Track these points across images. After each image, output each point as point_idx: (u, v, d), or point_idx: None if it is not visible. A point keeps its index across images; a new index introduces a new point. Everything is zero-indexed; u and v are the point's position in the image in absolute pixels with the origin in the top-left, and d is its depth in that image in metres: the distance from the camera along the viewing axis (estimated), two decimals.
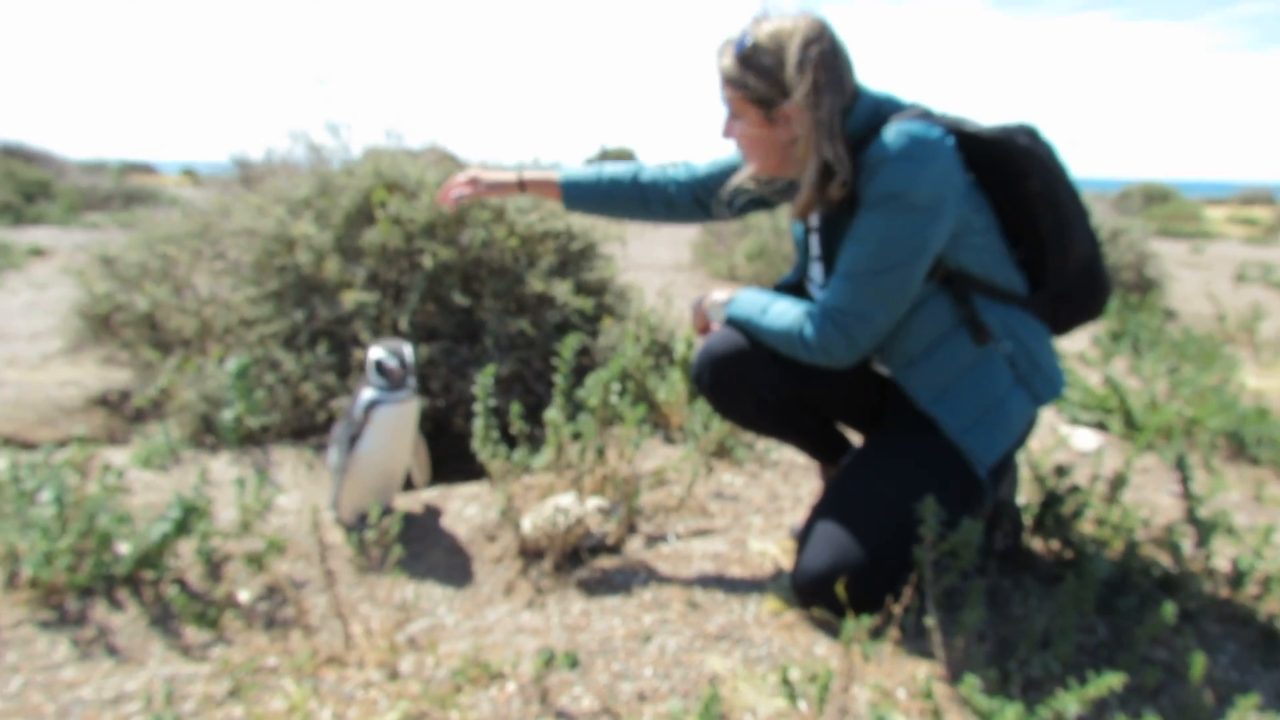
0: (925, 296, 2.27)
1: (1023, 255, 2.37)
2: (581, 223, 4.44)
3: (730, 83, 2.24)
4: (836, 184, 2.19)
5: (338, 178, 4.22)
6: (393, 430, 2.79)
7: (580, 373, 3.86)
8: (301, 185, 4.27)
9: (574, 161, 2.87)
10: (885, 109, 2.22)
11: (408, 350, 2.79)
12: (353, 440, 2.75)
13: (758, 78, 2.18)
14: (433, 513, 3.00)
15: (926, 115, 2.20)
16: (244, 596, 2.45)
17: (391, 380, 2.74)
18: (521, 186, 2.81)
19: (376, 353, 2.76)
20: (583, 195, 2.78)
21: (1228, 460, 3.82)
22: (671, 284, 8.41)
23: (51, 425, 3.97)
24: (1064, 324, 2.48)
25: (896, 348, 2.33)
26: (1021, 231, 2.34)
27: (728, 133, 2.34)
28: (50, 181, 17.12)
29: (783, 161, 2.30)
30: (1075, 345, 6.12)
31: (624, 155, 26.84)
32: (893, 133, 2.12)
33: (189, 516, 2.49)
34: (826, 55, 2.14)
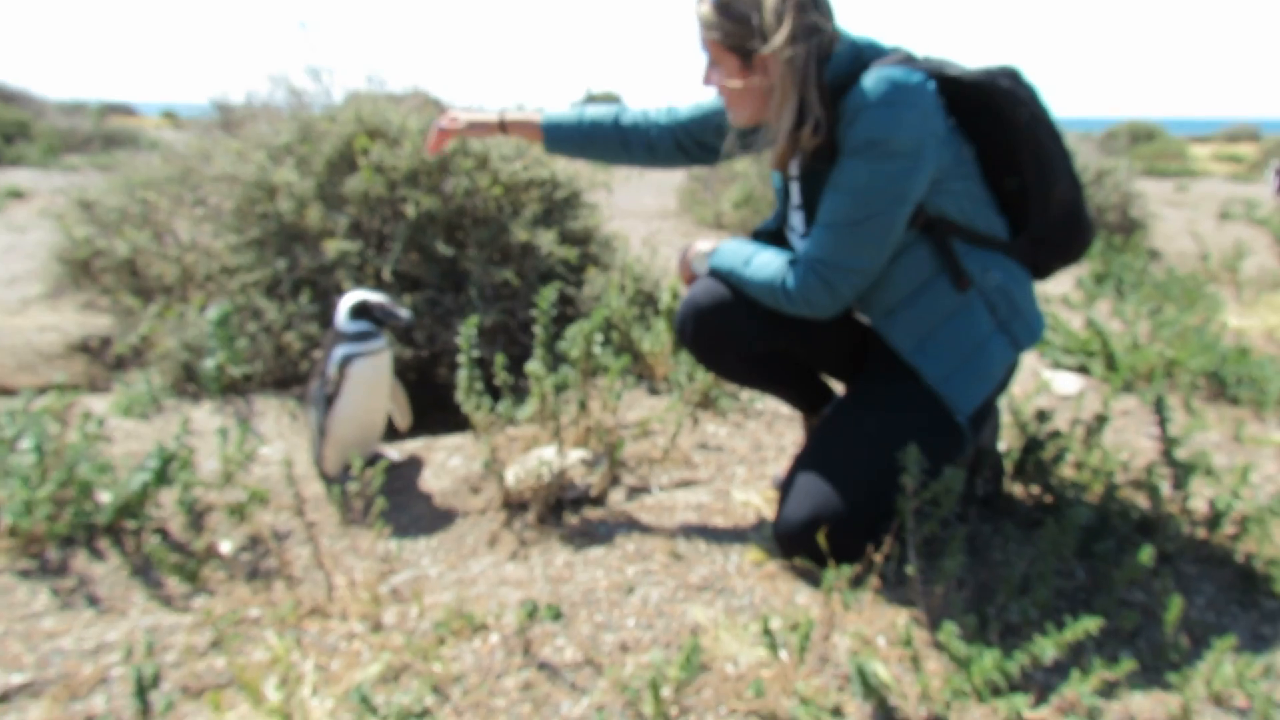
0: (905, 244, 2.26)
1: (1004, 199, 2.36)
2: (566, 170, 4.40)
3: (708, 29, 2.20)
4: (808, 131, 2.17)
5: (319, 123, 4.17)
6: (370, 383, 2.78)
7: (566, 323, 3.85)
8: (283, 131, 4.22)
9: (559, 106, 2.85)
10: (867, 54, 2.19)
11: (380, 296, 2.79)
12: (329, 399, 2.74)
13: (734, 24, 2.15)
14: (416, 464, 3.00)
15: (908, 60, 2.18)
16: (226, 547, 2.46)
17: (380, 318, 2.74)
18: (503, 127, 2.81)
19: (356, 295, 2.76)
20: (564, 137, 2.77)
21: (1208, 400, 3.84)
22: (657, 231, 8.38)
23: (31, 371, 3.95)
24: (1045, 268, 2.47)
25: (877, 297, 2.32)
26: (1003, 175, 2.32)
27: (707, 80, 2.31)
28: (29, 122, 16.91)
29: (763, 109, 2.27)
30: (1059, 288, 6.12)
31: (610, 99, 26.63)
32: (872, 79, 2.09)
33: (170, 466, 2.49)
34: (804, 1, 2.11)
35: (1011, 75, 2.23)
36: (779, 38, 2.10)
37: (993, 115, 2.23)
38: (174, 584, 2.29)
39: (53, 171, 12.48)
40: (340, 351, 2.73)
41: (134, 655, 1.97)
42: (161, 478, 2.48)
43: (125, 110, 31.91)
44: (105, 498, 2.46)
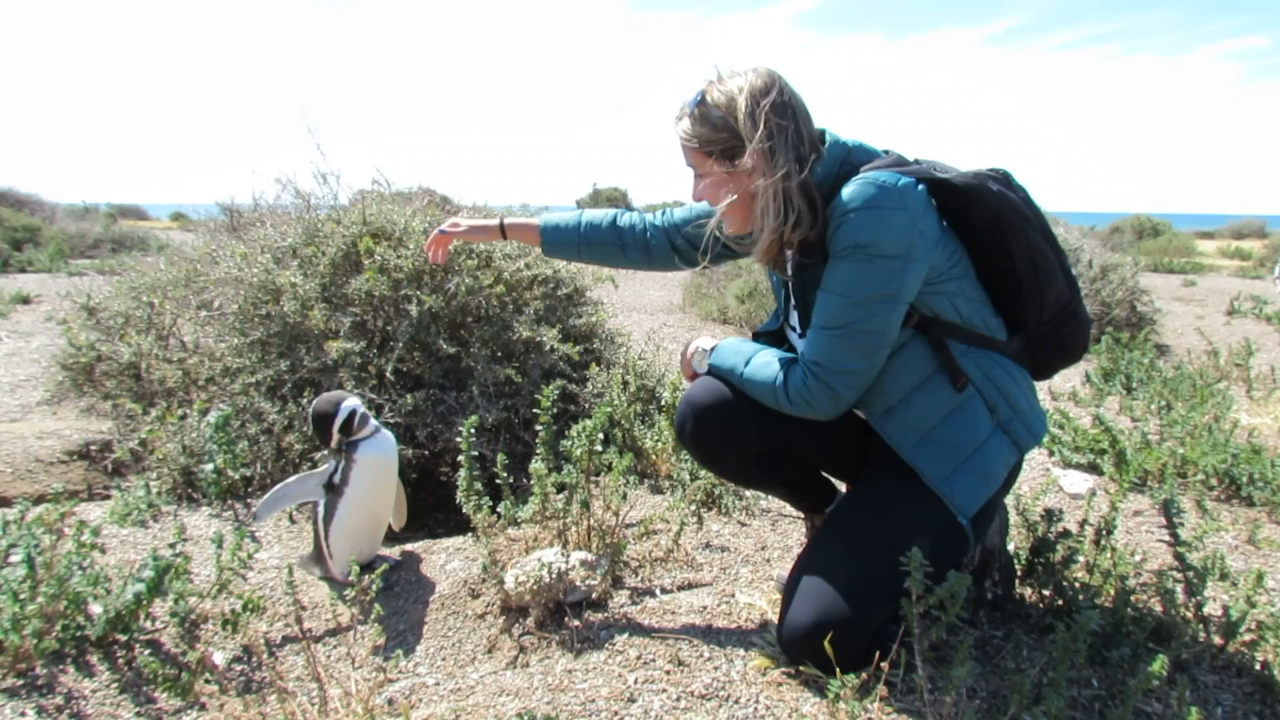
0: (901, 343, 2.24)
1: (1000, 299, 2.34)
2: (570, 268, 4.42)
3: (688, 140, 2.25)
4: (789, 227, 2.17)
5: (325, 225, 4.20)
6: (377, 467, 2.80)
7: (569, 420, 3.82)
8: (288, 233, 4.24)
9: (565, 202, 2.88)
10: (856, 157, 2.21)
11: (350, 401, 2.78)
12: (335, 487, 2.73)
13: (713, 130, 2.19)
14: (416, 566, 2.95)
15: (898, 163, 2.18)
16: (219, 658, 2.40)
17: (349, 433, 2.75)
18: (503, 232, 2.82)
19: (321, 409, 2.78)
20: (561, 239, 2.79)
21: (1221, 500, 3.79)
22: (662, 325, 8.40)
23: (29, 479, 3.91)
24: (1044, 368, 2.45)
25: (875, 396, 2.30)
26: (999, 276, 2.31)
27: (697, 196, 2.33)
28: (39, 227, 17.14)
29: (750, 214, 2.27)
30: (1067, 385, 6.09)
31: (616, 195, 26.94)
32: (858, 183, 2.10)
33: (163, 577, 2.44)
34: (777, 104, 2.14)
35: (1001, 178, 2.23)
36: (754, 138, 2.13)
37: (983, 217, 2.23)
38: (164, 700, 2.23)
39: (61, 276, 12.59)
40: (346, 440, 2.77)
41: None
42: (153, 589, 2.43)
43: (136, 213, 32.40)
44: (97, 610, 2.40)
